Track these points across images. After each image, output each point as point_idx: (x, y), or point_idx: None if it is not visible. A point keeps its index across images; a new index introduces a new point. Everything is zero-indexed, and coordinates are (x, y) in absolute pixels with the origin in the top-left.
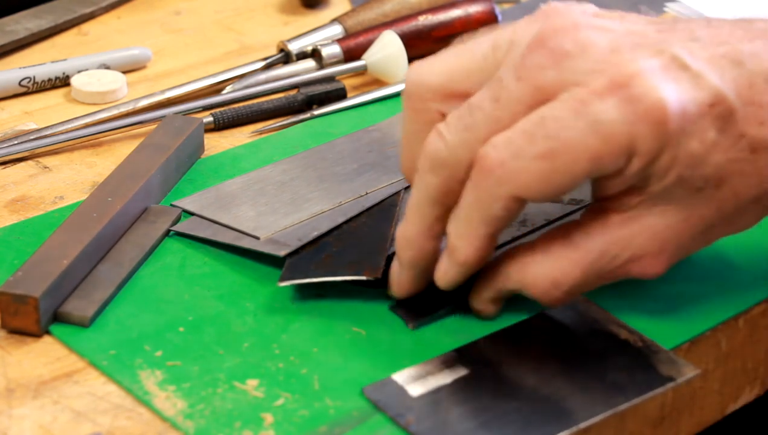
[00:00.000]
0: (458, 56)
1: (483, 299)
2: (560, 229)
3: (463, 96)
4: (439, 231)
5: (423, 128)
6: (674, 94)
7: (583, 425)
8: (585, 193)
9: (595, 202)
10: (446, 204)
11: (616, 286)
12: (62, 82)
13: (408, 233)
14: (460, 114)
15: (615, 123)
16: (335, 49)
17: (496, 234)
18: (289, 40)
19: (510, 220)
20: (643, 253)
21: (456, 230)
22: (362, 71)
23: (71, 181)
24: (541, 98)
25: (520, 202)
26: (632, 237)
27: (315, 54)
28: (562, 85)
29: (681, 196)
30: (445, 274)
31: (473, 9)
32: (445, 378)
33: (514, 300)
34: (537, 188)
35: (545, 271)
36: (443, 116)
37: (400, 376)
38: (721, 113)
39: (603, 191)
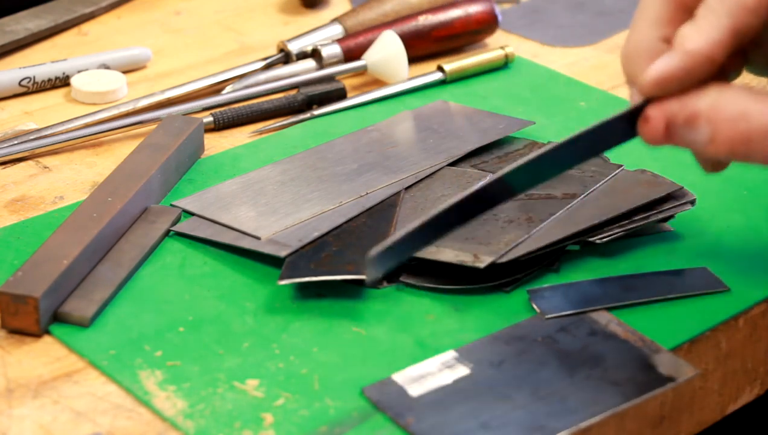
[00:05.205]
0: None
1: (703, 162)
2: (739, 87)
3: None
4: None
5: None
6: None
7: (583, 425)
8: (579, 188)
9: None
10: None
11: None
12: (62, 82)
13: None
14: None
15: None
16: (335, 49)
17: (736, 32)
18: (289, 40)
19: (758, 21)
20: None
21: (692, 24)
22: (362, 71)
23: (71, 181)
24: None
25: None
26: None
27: (315, 54)
28: None
29: None
30: (665, 64)
31: (473, 9)
32: (445, 378)
33: (513, 300)
34: None
35: (735, 104)
36: None
37: (400, 376)
38: None
39: None
